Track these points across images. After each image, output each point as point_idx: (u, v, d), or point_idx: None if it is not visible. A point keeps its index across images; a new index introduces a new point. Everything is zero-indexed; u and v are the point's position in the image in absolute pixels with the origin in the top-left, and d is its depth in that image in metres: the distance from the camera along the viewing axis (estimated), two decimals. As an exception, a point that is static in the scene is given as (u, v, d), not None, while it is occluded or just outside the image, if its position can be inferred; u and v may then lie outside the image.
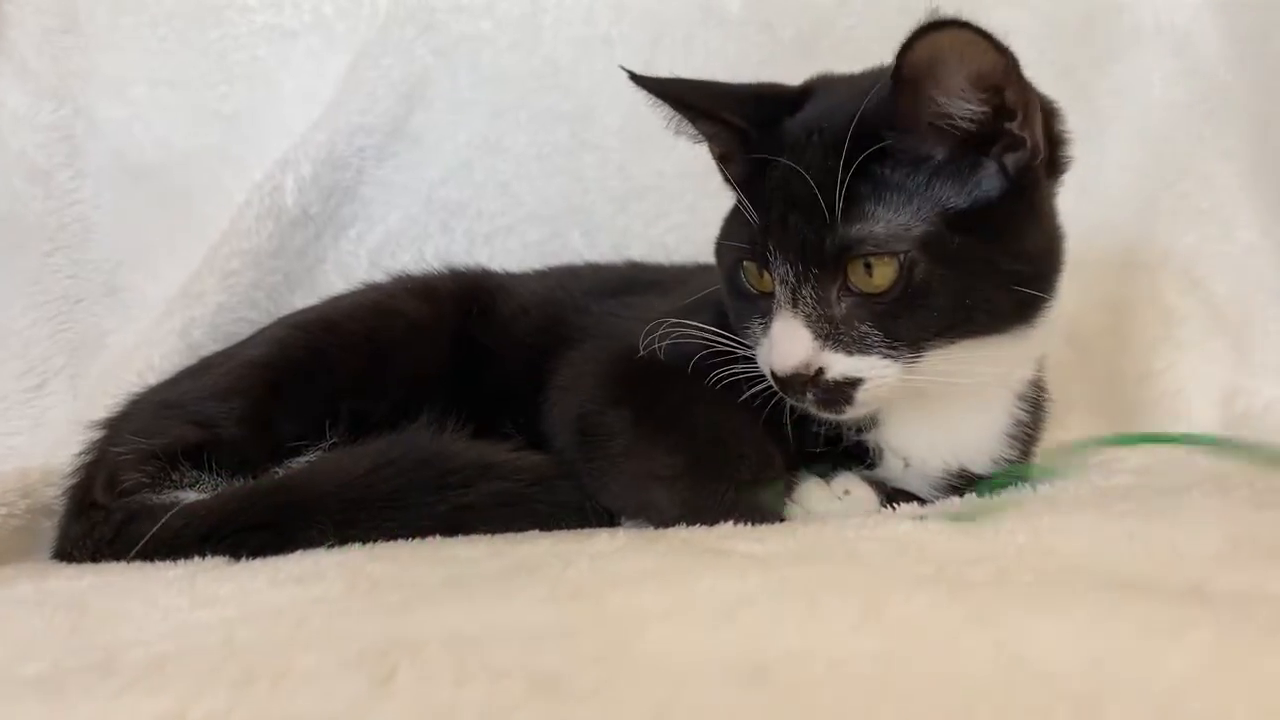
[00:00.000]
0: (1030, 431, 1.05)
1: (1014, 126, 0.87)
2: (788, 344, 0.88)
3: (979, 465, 1.01)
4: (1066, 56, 1.52)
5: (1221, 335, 1.42)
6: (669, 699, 0.51)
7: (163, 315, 1.50)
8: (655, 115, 1.56)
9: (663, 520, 0.92)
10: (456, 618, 0.64)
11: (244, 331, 1.38)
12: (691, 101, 1.00)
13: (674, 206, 1.59)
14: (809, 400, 0.90)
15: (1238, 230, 1.46)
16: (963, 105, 0.85)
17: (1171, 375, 1.40)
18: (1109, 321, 1.49)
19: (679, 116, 1.01)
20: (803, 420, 0.96)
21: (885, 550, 0.74)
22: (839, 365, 0.88)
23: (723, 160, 1.03)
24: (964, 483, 1.00)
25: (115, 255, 1.62)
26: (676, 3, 1.64)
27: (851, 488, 0.95)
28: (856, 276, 0.87)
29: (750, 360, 0.94)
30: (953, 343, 0.88)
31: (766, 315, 0.92)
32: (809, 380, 0.88)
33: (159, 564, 0.91)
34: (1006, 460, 1.02)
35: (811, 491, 0.95)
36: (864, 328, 0.87)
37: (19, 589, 0.84)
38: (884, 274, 0.86)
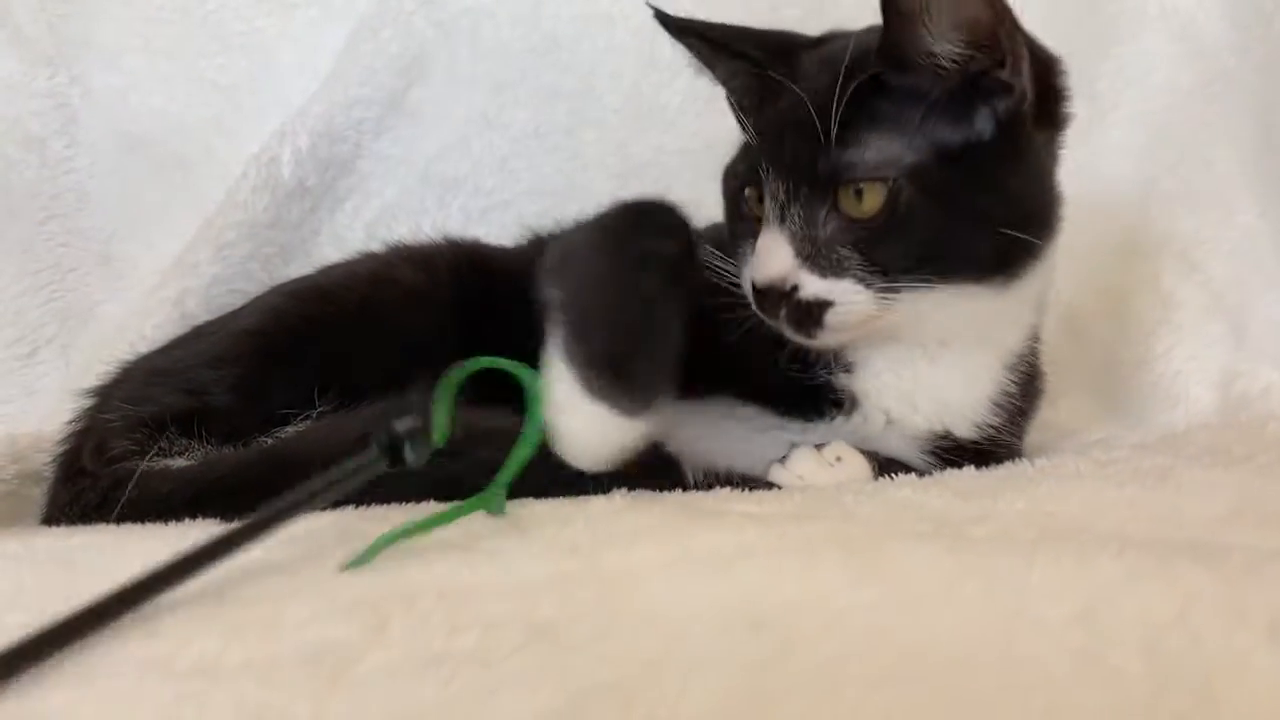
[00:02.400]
0: (1019, 404, 1.05)
1: (1003, 73, 0.90)
2: (768, 256, 0.92)
3: (962, 429, 1.01)
4: (1068, 39, 1.49)
5: (1220, 319, 1.41)
6: (667, 648, 0.50)
7: (157, 285, 1.49)
8: (658, 90, 1.57)
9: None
10: (450, 572, 0.63)
11: (238, 303, 1.36)
12: (713, 37, 1.04)
13: (674, 183, 1.58)
14: (781, 318, 0.92)
15: (1237, 214, 1.46)
16: (948, 47, 0.88)
17: (1169, 359, 1.40)
18: (1107, 305, 1.49)
19: (704, 54, 1.07)
20: (772, 350, 0.99)
21: (884, 510, 0.74)
22: (812, 285, 0.91)
23: (737, 100, 1.06)
24: (952, 451, 1.00)
25: (109, 225, 1.61)
26: (677, -20, 1.63)
27: (843, 454, 0.95)
28: (846, 201, 0.90)
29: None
30: (929, 282, 0.91)
31: (757, 237, 0.95)
32: (783, 295, 0.91)
33: (148, 525, 0.90)
34: (992, 429, 1.02)
35: (803, 458, 0.95)
36: (844, 251, 0.90)
37: (6, 545, 0.83)
38: (873, 200, 0.89)
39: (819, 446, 0.95)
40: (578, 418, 0.79)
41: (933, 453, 1.01)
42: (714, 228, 1.08)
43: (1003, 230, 0.91)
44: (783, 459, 0.95)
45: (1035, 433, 1.12)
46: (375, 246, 1.31)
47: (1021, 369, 1.05)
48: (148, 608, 0.59)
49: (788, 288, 0.91)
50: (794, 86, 0.93)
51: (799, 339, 0.95)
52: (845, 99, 0.88)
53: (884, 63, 0.90)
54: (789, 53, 0.99)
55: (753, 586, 0.56)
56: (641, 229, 0.91)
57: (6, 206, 1.57)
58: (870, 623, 0.51)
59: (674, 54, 1.59)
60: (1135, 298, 1.47)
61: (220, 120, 1.63)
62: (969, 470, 0.95)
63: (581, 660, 0.49)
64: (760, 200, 0.96)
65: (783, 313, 0.92)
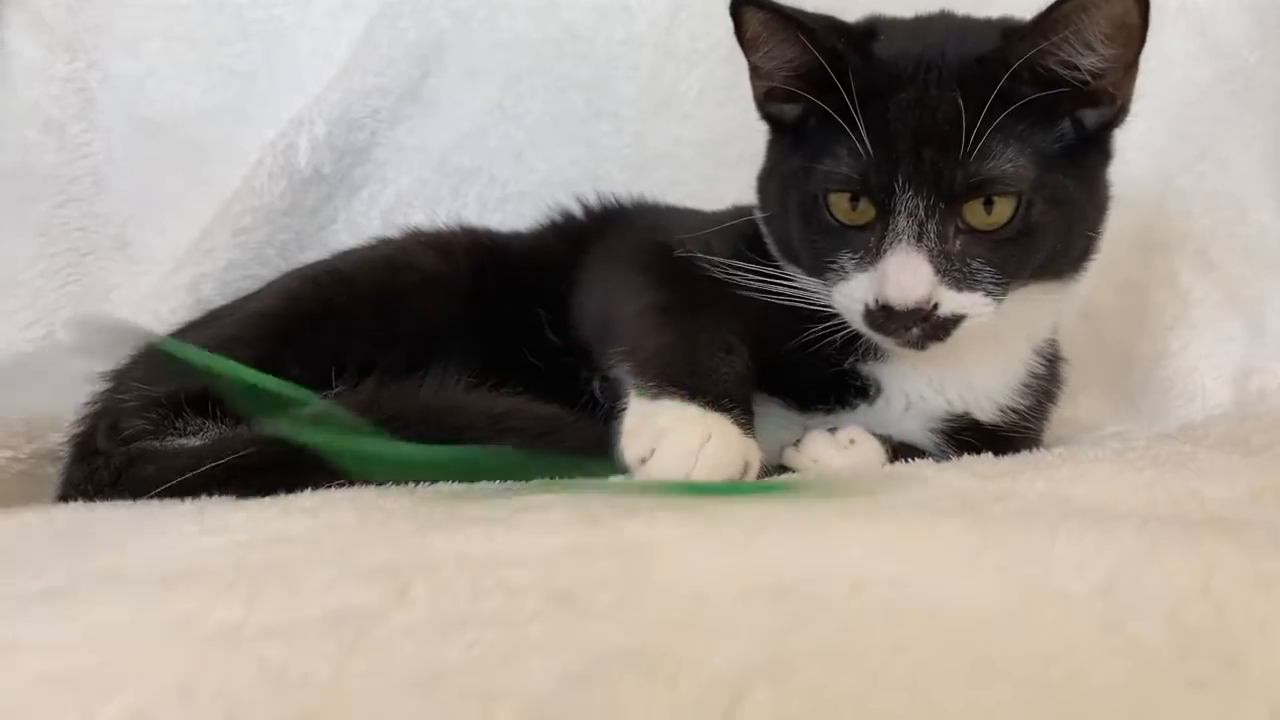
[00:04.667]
0: (1046, 387, 1.05)
1: (1112, 84, 0.91)
2: (911, 278, 0.88)
3: (985, 412, 1.01)
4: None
5: (1237, 316, 1.41)
6: (689, 615, 0.50)
7: (173, 270, 1.50)
8: (676, 82, 1.56)
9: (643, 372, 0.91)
10: (471, 542, 0.63)
11: (253, 288, 1.37)
12: (793, 15, 0.94)
13: (689, 175, 1.58)
14: (911, 336, 0.90)
15: (1255, 211, 1.45)
16: (1094, 61, 0.89)
17: (1186, 355, 1.40)
18: (1124, 301, 1.48)
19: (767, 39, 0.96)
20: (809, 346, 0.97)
21: (903, 488, 0.74)
22: (950, 302, 0.89)
23: (780, 92, 0.99)
24: (971, 435, 1.00)
25: (125, 209, 1.62)
26: (697, -27, 1.63)
27: (857, 438, 0.95)
28: (973, 213, 0.89)
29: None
30: (1026, 283, 0.93)
31: (862, 249, 0.92)
32: (921, 317, 0.88)
33: (164, 501, 0.91)
34: (1015, 413, 1.02)
35: (816, 441, 0.95)
36: (976, 264, 0.89)
37: (25, 517, 0.83)
38: (1003, 211, 0.89)
39: (832, 430, 0.95)
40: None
41: (949, 438, 1.01)
42: (734, 223, 1.07)
43: (1091, 233, 0.95)
44: (797, 442, 0.96)
45: (1053, 428, 1.12)
46: (391, 234, 1.31)
47: (1048, 353, 1.06)
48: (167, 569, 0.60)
49: (930, 306, 0.88)
50: (924, 99, 0.89)
51: (907, 349, 0.93)
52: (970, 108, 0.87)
53: (1005, 72, 0.87)
54: (863, 51, 0.94)
55: (774, 557, 0.56)
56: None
57: (25, 190, 1.58)
58: (891, 592, 0.51)
59: (691, 45, 1.61)
60: (1153, 294, 1.47)
61: (237, 107, 1.64)
62: (987, 456, 0.95)
63: (603, 626, 0.49)
64: (854, 207, 0.92)
65: (914, 331, 0.90)
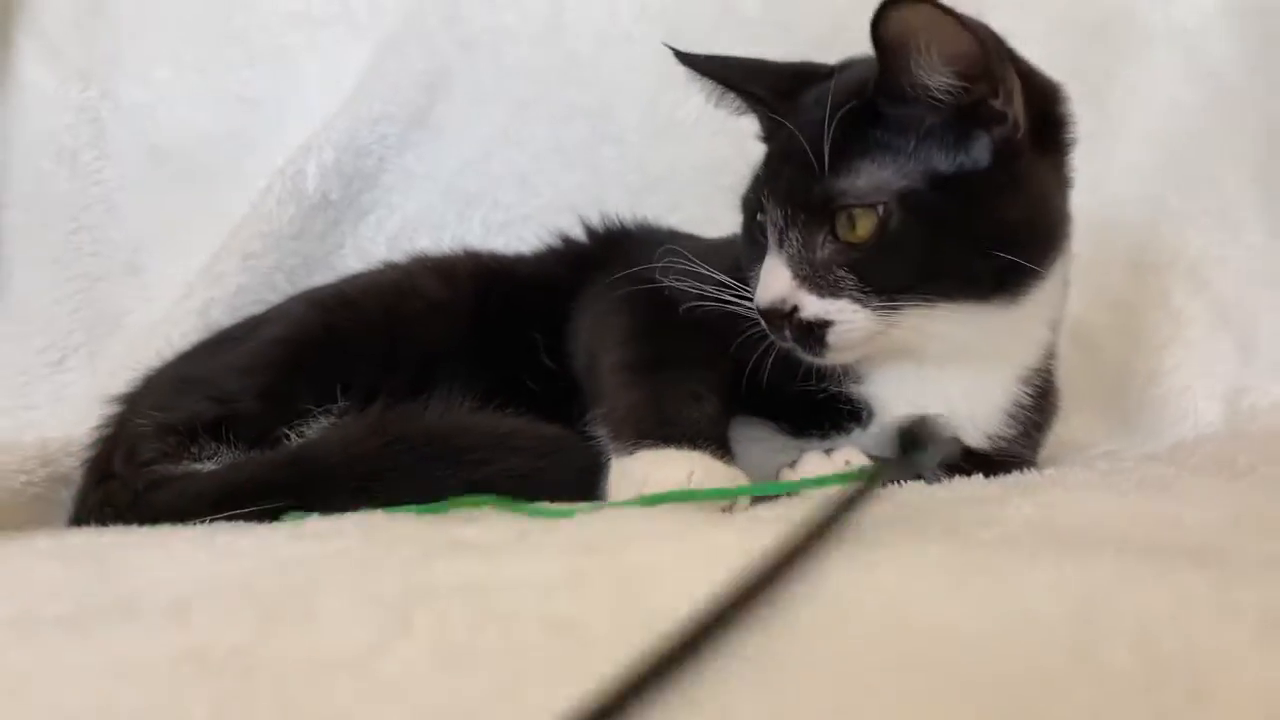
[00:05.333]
0: (1033, 417, 1.06)
1: (996, 103, 0.92)
2: (769, 279, 0.95)
3: (973, 439, 1.02)
4: (1077, 58, 1.53)
5: (1228, 335, 1.42)
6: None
7: (183, 295, 1.52)
8: (674, 108, 1.59)
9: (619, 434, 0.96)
10: (474, 569, 0.65)
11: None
12: (724, 77, 1.09)
13: (690, 198, 1.61)
14: (788, 338, 0.95)
15: (1245, 232, 1.47)
16: (939, 79, 0.91)
17: (1178, 374, 1.41)
18: (1117, 321, 1.50)
19: (717, 91, 1.11)
20: (792, 369, 1.00)
21: (894, 513, 0.76)
22: (812, 306, 0.94)
23: (759, 131, 1.12)
24: (963, 459, 1.01)
25: (137, 235, 1.65)
26: (696, 2, 1.66)
27: (852, 459, 0.96)
28: (841, 226, 0.93)
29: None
30: (930, 301, 0.93)
31: (759, 259, 0.99)
32: (784, 316, 0.94)
33: (176, 526, 0.92)
34: (1003, 440, 1.04)
35: (812, 462, 0.96)
36: (840, 273, 0.93)
37: (39, 542, 0.85)
38: (865, 224, 0.92)
39: (828, 451, 0.97)
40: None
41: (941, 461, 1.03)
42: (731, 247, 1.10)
43: (997, 253, 0.92)
44: (792, 464, 0.97)
45: (1047, 446, 1.13)
46: (398, 258, 1.34)
47: (1036, 383, 1.06)
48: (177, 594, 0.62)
49: (787, 308, 0.94)
50: (785, 121, 0.97)
51: (809, 358, 0.97)
52: (835, 129, 0.91)
53: (878, 93, 0.93)
54: (795, 89, 1.03)
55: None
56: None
57: (38, 217, 1.61)
58: (880, 617, 0.53)
59: (690, 72, 1.63)
60: (1145, 314, 1.48)
61: (246, 134, 1.67)
62: (978, 478, 0.96)
63: (601, 655, 0.51)
64: (761, 224, 0.99)
65: (787, 332, 0.95)
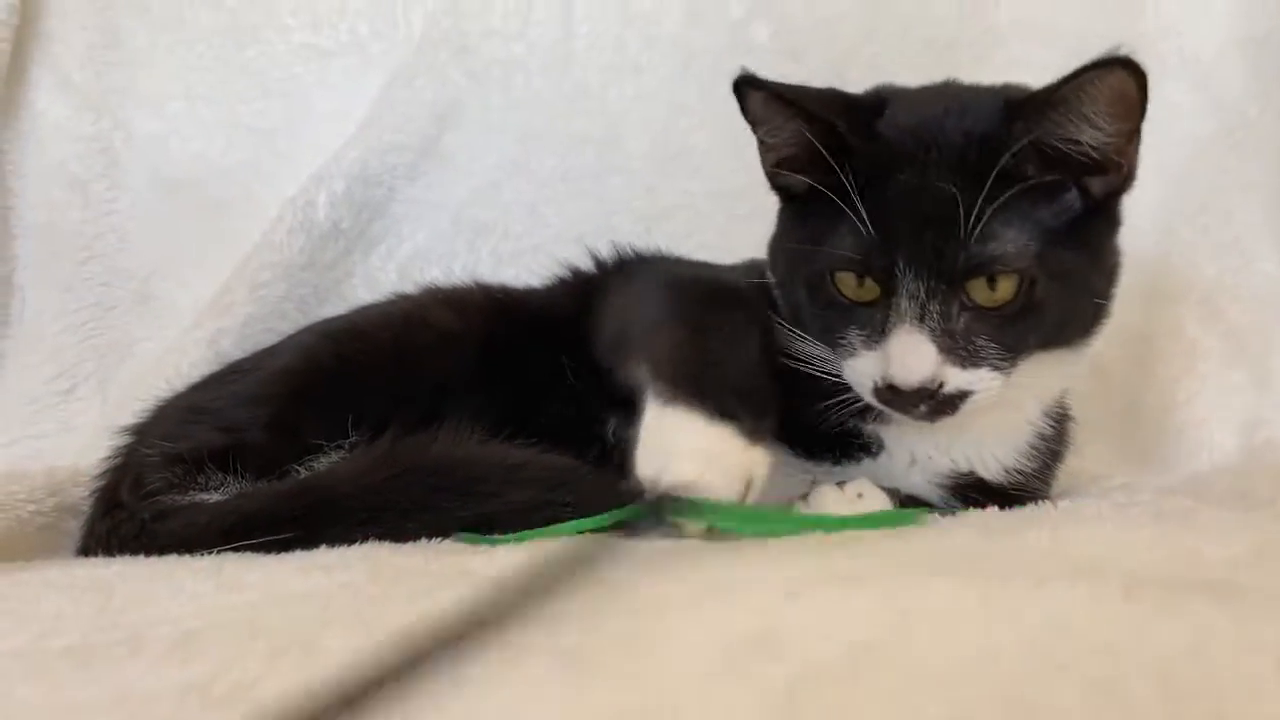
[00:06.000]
0: (1053, 448, 1.06)
1: (1116, 153, 0.92)
2: (915, 359, 0.89)
3: (991, 472, 1.02)
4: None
5: (1243, 367, 1.42)
6: (692, 675, 0.51)
7: (192, 324, 1.53)
8: (684, 139, 1.59)
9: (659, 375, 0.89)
10: (480, 601, 0.65)
11: (272, 342, 1.39)
12: (793, 98, 0.96)
13: (701, 228, 1.61)
14: (920, 412, 0.91)
15: (1259, 262, 1.46)
16: (1096, 135, 0.90)
17: (1193, 407, 1.40)
18: (1130, 353, 1.49)
19: (773, 120, 0.98)
20: (810, 399, 0.98)
21: (907, 546, 0.75)
22: (956, 379, 0.90)
23: (787, 165, 1.00)
24: (977, 491, 1.01)
25: (148, 265, 1.65)
26: (705, 31, 1.67)
27: (865, 492, 0.95)
28: (977, 291, 0.89)
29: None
30: (1038, 354, 0.93)
31: (868, 326, 0.93)
32: (928, 394, 0.90)
33: (183, 557, 0.92)
34: (1021, 475, 1.03)
35: (825, 495, 0.95)
36: (980, 341, 0.90)
37: (47, 573, 0.85)
38: (1006, 289, 0.89)
39: (841, 483, 0.96)
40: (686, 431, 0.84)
41: (955, 492, 1.02)
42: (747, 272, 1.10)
43: (1098, 300, 0.96)
44: (805, 496, 0.97)
45: (1061, 478, 1.12)
46: (407, 288, 1.34)
47: (1056, 414, 1.06)
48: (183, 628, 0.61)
49: (935, 386, 0.89)
50: (922, 181, 0.90)
51: (919, 421, 0.94)
52: (972, 189, 0.87)
53: (1007, 150, 0.88)
54: (868, 128, 0.94)
55: (773, 616, 0.57)
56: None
57: (50, 246, 1.62)
58: (890, 654, 0.52)
59: (700, 101, 1.64)
60: (1159, 345, 1.48)
61: (257, 164, 1.68)
62: (993, 510, 0.96)
63: (610, 688, 0.50)
64: (860, 284, 0.93)
65: (922, 408, 0.91)
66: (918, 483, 1.02)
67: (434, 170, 1.65)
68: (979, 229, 0.87)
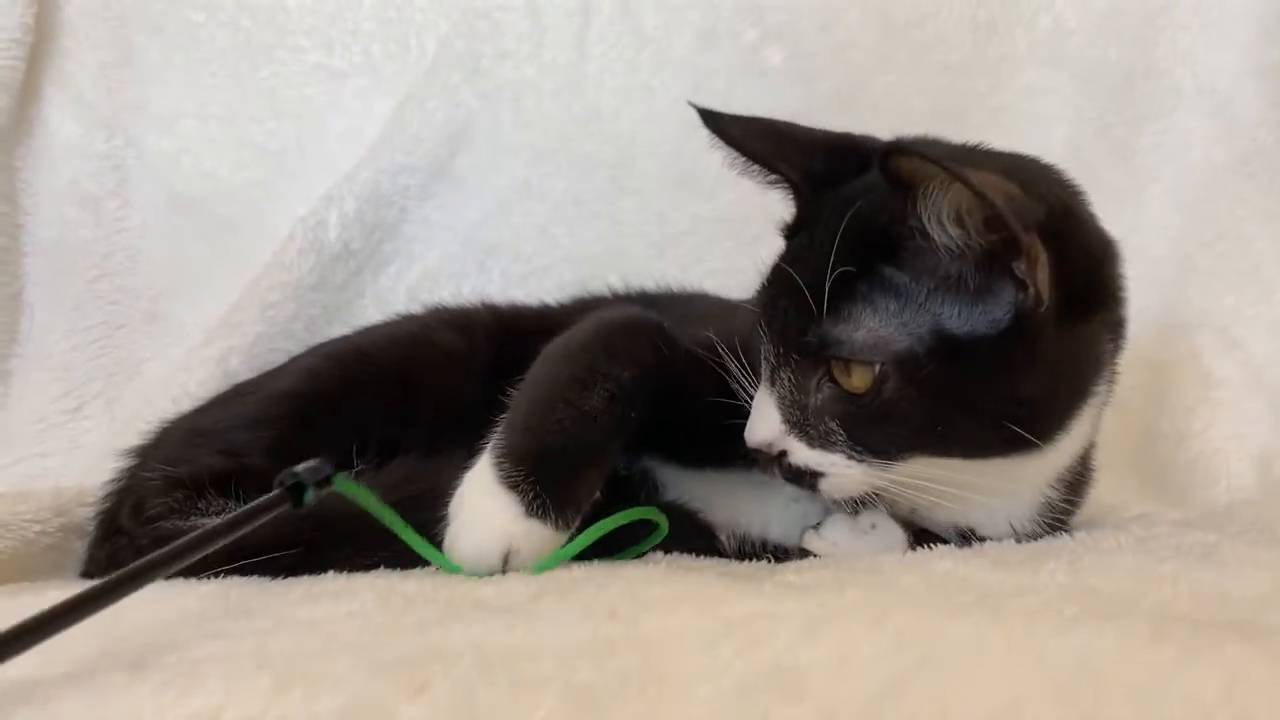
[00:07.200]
0: (1064, 506, 0.99)
1: (1018, 266, 0.79)
2: (758, 419, 0.88)
3: (990, 530, 0.97)
4: (1104, 115, 1.53)
5: (1260, 396, 1.41)
6: (707, 712, 0.50)
7: (202, 343, 1.52)
8: (695, 162, 1.58)
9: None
10: (490, 633, 0.64)
11: (280, 362, 1.38)
12: (752, 149, 0.94)
13: (711, 252, 1.61)
14: (774, 474, 0.89)
15: (1276, 291, 1.46)
16: (944, 233, 0.79)
17: (1209, 436, 1.39)
18: (1146, 381, 1.48)
19: (740, 161, 0.97)
20: None
21: (924, 581, 0.74)
22: (801, 454, 0.86)
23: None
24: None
25: (158, 283, 1.65)
26: (717, 55, 1.67)
27: (878, 522, 0.94)
28: (839, 372, 0.84)
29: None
30: (932, 457, 0.85)
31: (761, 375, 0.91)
32: (773, 458, 0.88)
33: (186, 581, 0.91)
34: (1028, 537, 0.97)
35: (838, 525, 0.94)
36: (831, 424, 0.84)
37: (49, 595, 0.84)
38: (861, 378, 0.82)
39: (854, 514, 0.95)
40: (482, 503, 0.85)
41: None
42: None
43: (1006, 424, 0.82)
44: (817, 525, 0.95)
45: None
46: (416, 309, 1.33)
47: (1067, 478, 0.98)
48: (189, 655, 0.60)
49: (774, 453, 0.87)
50: (798, 246, 0.87)
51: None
52: (842, 256, 0.81)
53: (900, 230, 0.81)
54: (830, 175, 0.90)
55: (790, 657, 0.56)
56: (607, 350, 0.92)
57: (61, 264, 1.62)
58: (909, 694, 0.51)
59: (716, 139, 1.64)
60: (1175, 374, 1.47)
61: (269, 184, 1.68)
62: (1009, 543, 0.94)
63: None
64: (759, 336, 0.90)
65: (776, 470, 0.88)
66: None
67: (445, 191, 1.65)
68: (836, 308, 0.82)
